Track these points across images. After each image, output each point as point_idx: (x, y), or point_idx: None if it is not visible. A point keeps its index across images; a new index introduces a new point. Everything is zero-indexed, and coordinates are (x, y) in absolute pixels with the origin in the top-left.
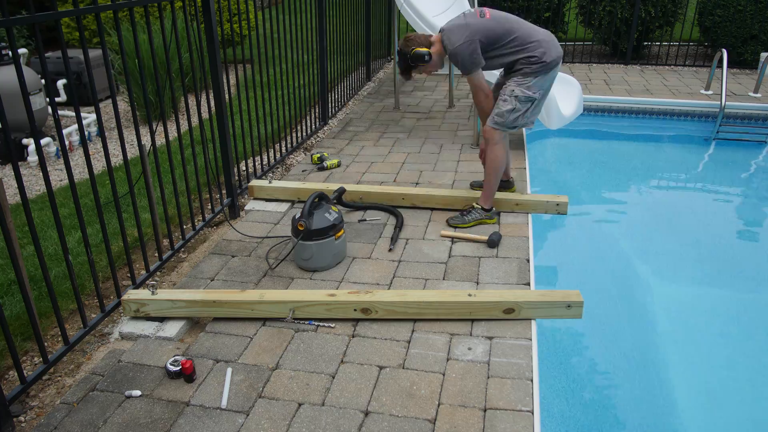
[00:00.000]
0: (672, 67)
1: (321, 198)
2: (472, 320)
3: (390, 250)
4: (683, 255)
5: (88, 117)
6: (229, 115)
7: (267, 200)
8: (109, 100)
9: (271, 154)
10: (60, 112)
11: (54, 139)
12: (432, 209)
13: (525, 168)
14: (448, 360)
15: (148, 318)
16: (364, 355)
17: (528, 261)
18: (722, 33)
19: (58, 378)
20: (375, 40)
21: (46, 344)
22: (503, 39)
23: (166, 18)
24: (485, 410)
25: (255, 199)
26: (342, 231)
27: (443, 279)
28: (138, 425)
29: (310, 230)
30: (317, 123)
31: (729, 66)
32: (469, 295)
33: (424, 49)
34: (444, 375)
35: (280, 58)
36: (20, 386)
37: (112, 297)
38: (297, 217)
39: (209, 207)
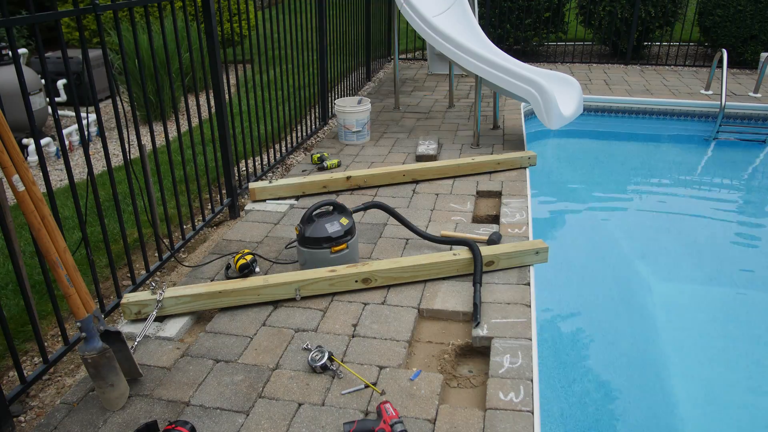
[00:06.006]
0: (672, 67)
1: (336, 208)
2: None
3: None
4: (683, 255)
5: (88, 117)
6: (229, 115)
7: (267, 200)
8: (109, 100)
9: (271, 154)
10: (60, 112)
11: (54, 139)
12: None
13: (525, 167)
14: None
15: (149, 318)
16: (364, 355)
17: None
18: (722, 33)
19: (58, 378)
20: (375, 40)
21: (46, 344)
22: None
23: (166, 18)
24: (485, 410)
25: (256, 201)
26: (343, 245)
27: (444, 280)
28: (138, 425)
29: (304, 236)
30: (317, 123)
31: (729, 66)
32: (454, 254)
33: None
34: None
35: (280, 58)
36: (20, 386)
37: (112, 297)
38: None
39: (209, 207)
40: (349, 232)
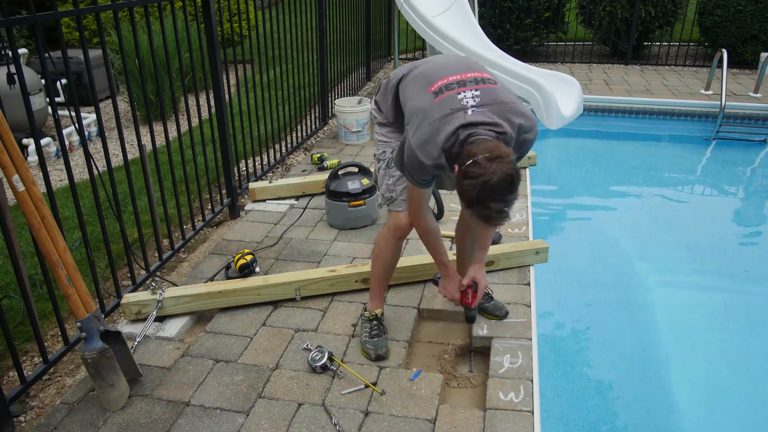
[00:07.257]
0: (672, 67)
1: (361, 170)
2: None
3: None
4: (683, 255)
5: (88, 117)
6: (229, 115)
7: (267, 200)
8: (109, 100)
9: (271, 154)
10: (60, 112)
11: (54, 139)
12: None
13: (525, 167)
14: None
15: (149, 318)
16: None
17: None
18: (722, 33)
19: (58, 378)
20: (375, 40)
21: (46, 344)
22: None
23: (166, 18)
24: (485, 410)
25: (256, 201)
26: (361, 201)
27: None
28: (138, 425)
29: (329, 189)
30: (317, 123)
31: (729, 66)
32: (455, 254)
33: None
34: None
35: (280, 58)
36: (20, 386)
37: (112, 297)
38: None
39: (209, 207)
40: (368, 191)
